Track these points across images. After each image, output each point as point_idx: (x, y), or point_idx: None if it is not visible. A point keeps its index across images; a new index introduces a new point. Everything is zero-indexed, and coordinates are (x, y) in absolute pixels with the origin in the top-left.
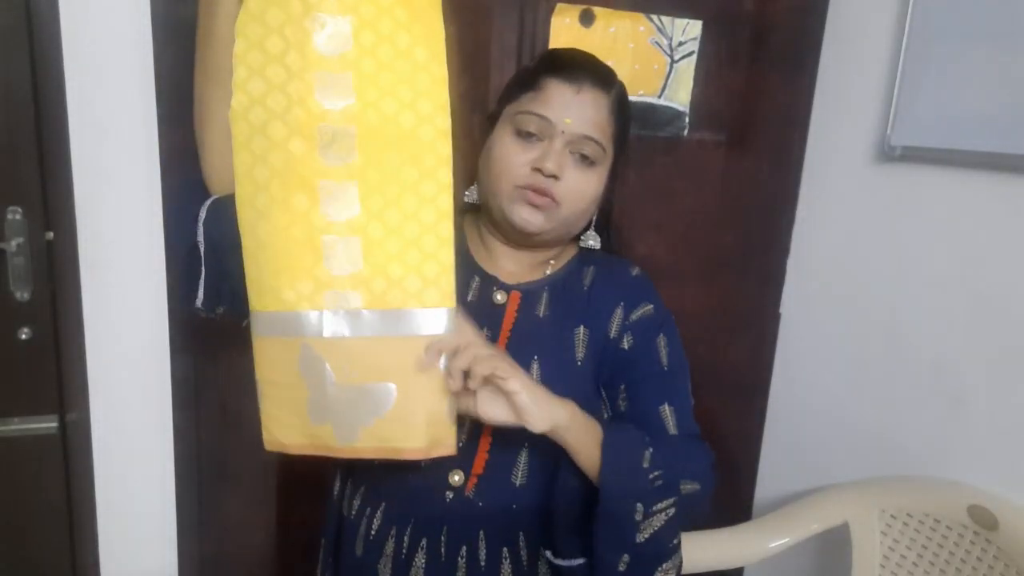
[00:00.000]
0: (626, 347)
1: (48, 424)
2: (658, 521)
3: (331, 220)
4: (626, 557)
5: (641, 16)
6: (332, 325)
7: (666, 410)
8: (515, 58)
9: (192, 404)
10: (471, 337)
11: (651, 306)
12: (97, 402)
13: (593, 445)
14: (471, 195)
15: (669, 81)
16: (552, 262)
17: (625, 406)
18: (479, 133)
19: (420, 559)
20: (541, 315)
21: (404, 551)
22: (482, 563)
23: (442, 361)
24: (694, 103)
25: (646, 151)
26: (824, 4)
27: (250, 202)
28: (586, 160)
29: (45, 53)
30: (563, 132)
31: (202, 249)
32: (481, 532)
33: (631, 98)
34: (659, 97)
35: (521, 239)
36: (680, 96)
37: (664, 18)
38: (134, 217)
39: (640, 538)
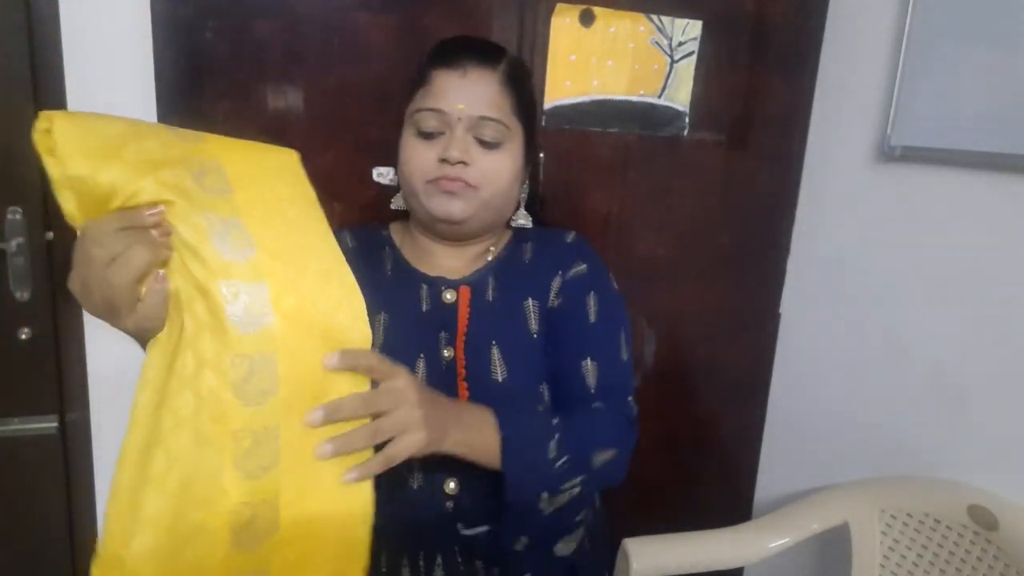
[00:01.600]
0: (555, 306)
1: (48, 424)
2: (563, 499)
3: None
4: (523, 540)
5: (641, 16)
6: None
7: (588, 365)
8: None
9: None
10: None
11: (584, 266)
12: (97, 402)
13: (492, 447)
14: (396, 202)
15: (669, 81)
16: (492, 249)
17: (552, 363)
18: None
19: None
20: (491, 300)
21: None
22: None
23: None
24: (694, 103)
25: (646, 151)
26: (824, 4)
27: None
28: (490, 141)
29: (45, 53)
30: (459, 119)
31: None
32: (486, 526)
33: (631, 98)
34: (659, 97)
35: (452, 233)
36: (680, 96)
37: (664, 18)
38: None
39: (543, 515)
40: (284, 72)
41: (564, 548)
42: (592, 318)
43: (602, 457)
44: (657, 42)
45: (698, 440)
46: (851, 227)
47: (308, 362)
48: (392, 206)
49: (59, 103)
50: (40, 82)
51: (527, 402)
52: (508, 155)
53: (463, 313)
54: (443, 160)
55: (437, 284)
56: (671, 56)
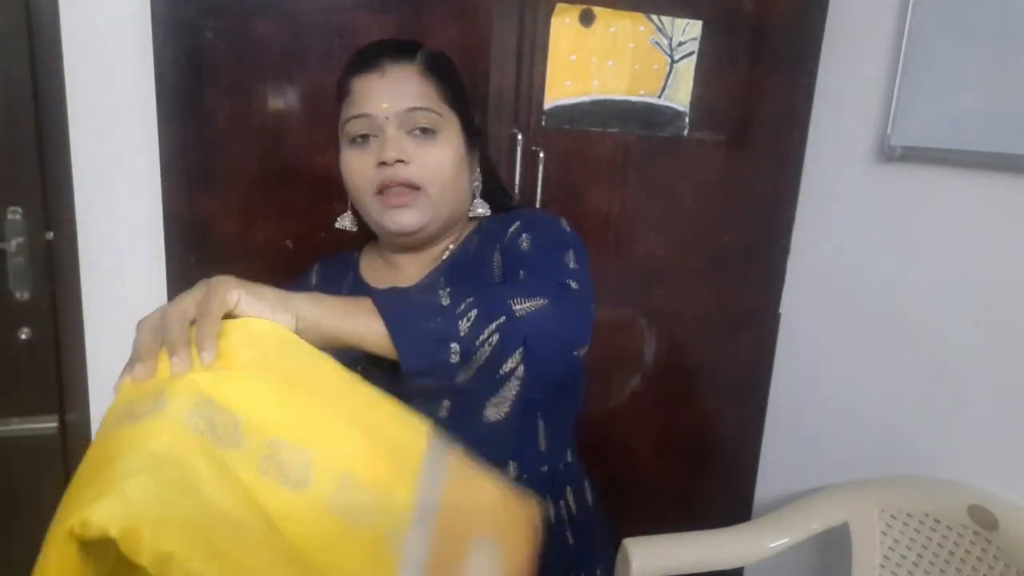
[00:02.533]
0: (498, 271)
1: (48, 424)
2: (483, 355)
3: (310, 488)
4: (445, 403)
5: (641, 16)
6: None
7: (520, 275)
8: (515, 58)
9: None
10: (168, 312)
11: (517, 222)
12: (97, 402)
13: (368, 315)
14: (341, 222)
15: (669, 81)
16: (451, 247)
17: None
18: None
19: None
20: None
21: None
22: None
23: None
24: (694, 103)
25: (646, 151)
26: (824, 4)
27: None
28: (425, 132)
29: (45, 53)
30: (387, 118)
31: None
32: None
33: (631, 98)
34: (659, 97)
35: (413, 242)
36: (680, 96)
37: (664, 18)
38: (134, 217)
39: (462, 378)
40: (284, 72)
41: (495, 412)
42: (526, 247)
43: (524, 305)
44: (657, 42)
45: (698, 440)
46: (851, 227)
47: None
48: (336, 226)
49: (59, 103)
50: (40, 82)
51: None
52: (447, 144)
53: None
54: (382, 163)
55: None
56: (671, 56)
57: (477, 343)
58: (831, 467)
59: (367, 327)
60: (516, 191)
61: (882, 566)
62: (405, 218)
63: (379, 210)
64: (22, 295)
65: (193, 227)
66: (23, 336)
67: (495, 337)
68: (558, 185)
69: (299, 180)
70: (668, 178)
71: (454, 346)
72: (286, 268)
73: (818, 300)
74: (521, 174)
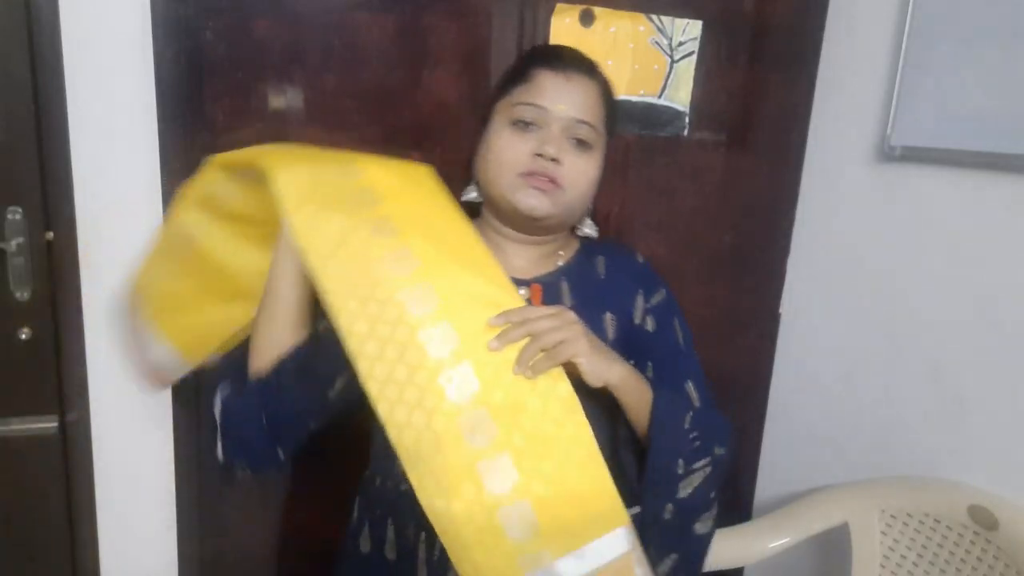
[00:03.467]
0: (650, 329)
1: (48, 424)
2: (697, 478)
3: (498, 494)
4: (670, 507)
5: (641, 16)
6: None
7: (690, 387)
8: (515, 58)
9: (192, 404)
10: (532, 313)
11: (664, 291)
12: (97, 402)
13: (644, 403)
14: (467, 194)
15: (669, 81)
16: (561, 253)
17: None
18: (476, 134)
19: None
20: (567, 304)
21: (436, 553)
22: None
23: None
24: (694, 103)
25: (646, 151)
26: (824, 4)
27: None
28: (583, 144)
29: (45, 53)
30: (559, 118)
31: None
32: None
33: (631, 98)
34: (659, 97)
35: (528, 227)
36: (680, 96)
37: (664, 18)
38: (134, 217)
39: (683, 493)
40: (284, 72)
41: (702, 527)
42: (681, 342)
43: (719, 452)
44: (657, 42)
45: None
46: (851, 227)
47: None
48: (463, 198)
49: (59, 103)
50: (40, 82)
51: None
52: (595, 160)
53: None
54: (538, 155)
55: None
56: (671, 56)
57: (695, 467)
58: (831, 467)
59: (639, 415)
60: None
61: (882, 566)
62: (540, 203)
63: (517, 187)
64: (22, 295)
65: None
66: (23, 336)
67: (707, 470)
68: None
69: None
70: (668, 178)
71: (681, 463)
72: None
73: (818, 300)
74: None
